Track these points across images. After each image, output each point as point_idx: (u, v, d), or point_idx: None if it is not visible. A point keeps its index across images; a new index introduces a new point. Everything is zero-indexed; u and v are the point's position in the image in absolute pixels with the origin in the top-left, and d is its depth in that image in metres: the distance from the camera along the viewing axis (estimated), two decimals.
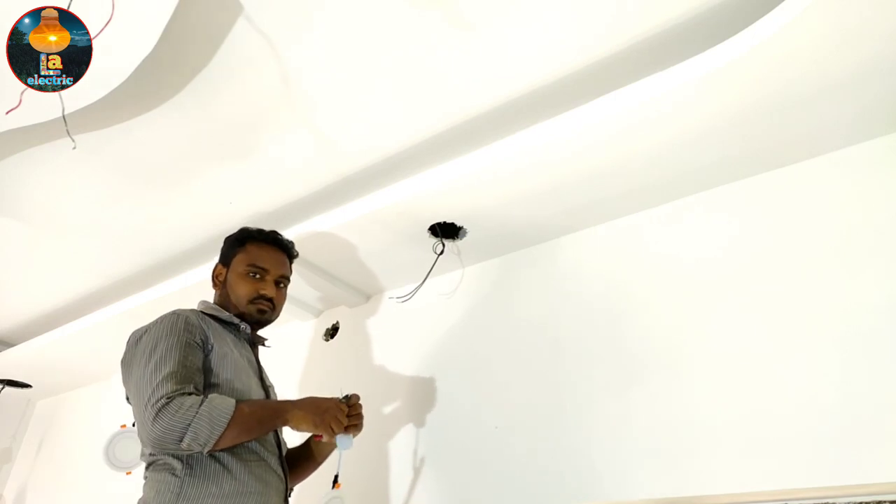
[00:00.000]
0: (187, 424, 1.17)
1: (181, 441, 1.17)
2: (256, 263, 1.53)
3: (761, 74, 1.26)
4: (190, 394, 1.22)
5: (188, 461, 1.25)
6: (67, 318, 2.70)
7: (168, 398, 1.19)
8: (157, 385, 1.21)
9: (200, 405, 1.19)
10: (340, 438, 1.40)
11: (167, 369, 1.24)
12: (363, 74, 1.61)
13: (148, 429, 1.18)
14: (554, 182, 1.64)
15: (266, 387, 1.51)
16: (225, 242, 1.61)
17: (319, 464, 1.58)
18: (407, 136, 1.84)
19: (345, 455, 1.47)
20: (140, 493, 1.32)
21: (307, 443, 1.58)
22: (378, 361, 2.13)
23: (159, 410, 1.17)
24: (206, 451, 1.21)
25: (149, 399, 1.20)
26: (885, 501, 1.20)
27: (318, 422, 1.33)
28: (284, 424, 1.34)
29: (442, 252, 1.87)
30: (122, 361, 1.38)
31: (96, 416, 3.05)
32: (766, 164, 1.57)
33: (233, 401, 1.24)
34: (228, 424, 1.20)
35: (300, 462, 1.56)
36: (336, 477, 1.47)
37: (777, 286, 1.46)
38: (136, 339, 1.36)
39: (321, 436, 1.36)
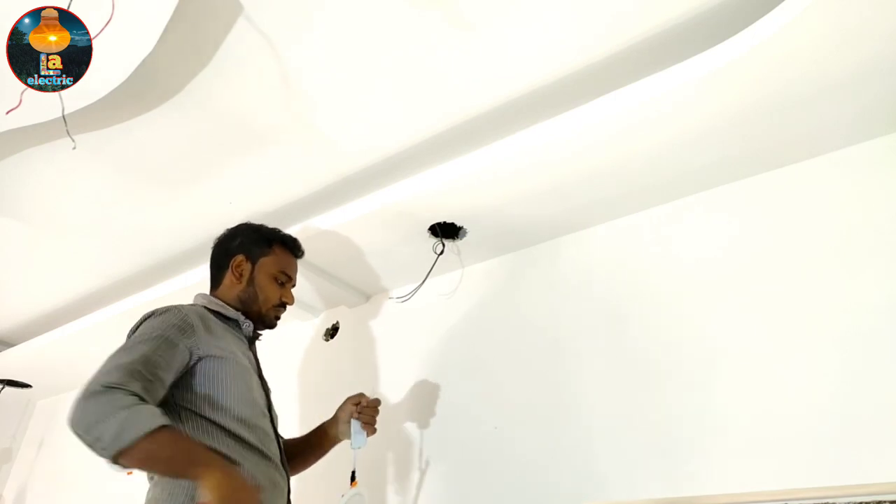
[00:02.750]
0: (100, 420, 1.07)
1: (87, 433, 1.08)
2: (286, 271, 1.57)
3: (761, 74, 1.26)
4: (131, 393, 1.12)
5: None
6: (67, 318, 2.70)
7: (105, 387, 1.11)
8: (107, 371, 1.15)
9: (126, 408, 1.08)
10: (356, 436, 1.46)
11: (125, 358, 1.19)
12: (363, 74, 1.61)
13: (74, 405, 1.11)
14: (554, 182, 1.64)
15: (264, 382, 1.51)
16: (247, 233, 1.57)
17: (322, 455, 1.60)
18: (407, 136, 1.84)
19: (340, 463, 1.51)
20: (142, 493, 1.31)
21: (314, 433, 1.60)
22: (378, 361, 2.13)
23: (91, 394, 1.10)
24: (107, 458, 1.08)
25: (92, 379, 1.13)
26: (885, 501, 1.20)
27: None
28: (189, 479, 1.15)
29: (442, 252, 1.87)
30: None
31: None
32: (766, 164, 1.57)
33: (160, 421, 1.09)
34: (135, 442, 1.06)
35: (303, 453, 1.58)
36: (353, 474, 1.48)
37: (777, 286, 1.46)
38: (141, 321, 1.34)
39: None
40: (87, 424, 1.08)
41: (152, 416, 1.10)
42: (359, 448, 1.48)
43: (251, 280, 1.52)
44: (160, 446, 1.10)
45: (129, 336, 1.33)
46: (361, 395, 1.59)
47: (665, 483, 1.43)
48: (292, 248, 1.61)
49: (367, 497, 1.49)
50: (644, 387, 1.55)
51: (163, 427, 1.09)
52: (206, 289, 1.58)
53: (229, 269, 1.53)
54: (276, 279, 1.54)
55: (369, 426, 1.51)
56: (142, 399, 1.13)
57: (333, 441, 1.59)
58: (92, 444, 1.09)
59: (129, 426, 1.07)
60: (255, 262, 1.54)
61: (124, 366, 1.17)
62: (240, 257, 1.53)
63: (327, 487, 1.75)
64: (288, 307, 1.59)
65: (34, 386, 3.25)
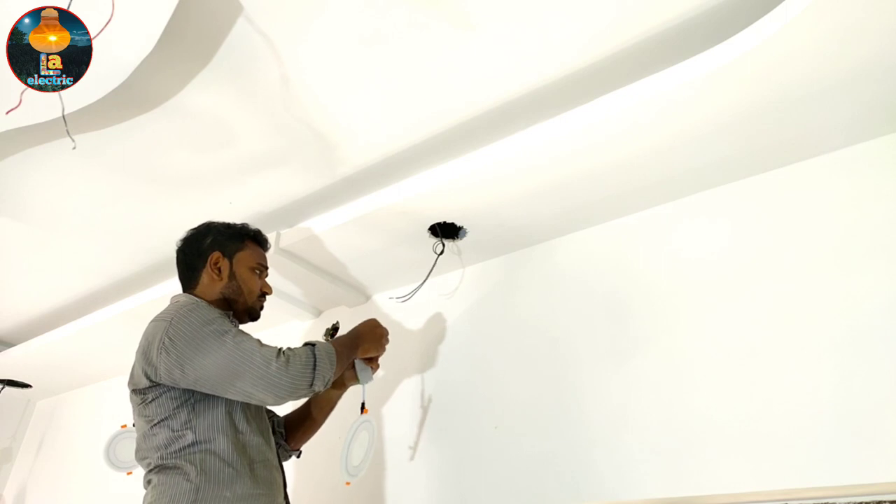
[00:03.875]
0: (313, 367, 1.33)
1: (312, 384, 1.33)
2: (262, 262, 1.64)
3: (761, 74, 1.26)
4: (283, 353, 1.34)
5: (202, 466, 1.26)
6: (67, 318, 2.70)
7: (285, 354, 1.32)
8: (259, 348, 1.32)
9: (314, 351, 1.37)
10: (362, 373, 1.64)
11: (249, 339, 1.34)
12: (363, 74, 1.61)
13: (277, 379, 1.28)
14: (554, 182, 1.64)
15: None
16: (217, 231, 1.60)
17: (330, 410, 1.71)
18: (407, 136, 1.83)
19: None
20: (141, 492, 1.31)
21: (310, 401, 1.71)
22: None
23: (287, 360, 1.31)
24: (322, 389, 1.37)
25: (267, 358, 1.30)
26: (885, 501, 1.20)
27: (378, 347, 1.63)
28: (356, 356, 1.58)
29: (442, 252, 1.87)
30: (157, 346, 1.33)
31: (96, 416, 3.05)
32: (766, 164, 1.57)
33: (327, 343, 1.44)
34: (336, 361, 1.40)
35: (310, 416, 1.69)
36: (363, 404, 1.64)
37: (777, 286, 1.46)
38: (165, 328, 1.34)
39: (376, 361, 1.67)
40: (307, 379, 1.32)
41: (325, 344, 1.42)
42: (367, 383, 1.65)
43: (232, 274, 1.55)
44: (342, 355, 1.46)
45: (158, 339, 1.33)
46: (332, 328, 1.75)
47: (665, 483, 1.43)
48: (262, 241, 1.68)
49: (374, 425, 1.66)
50: (644, 387, 1.55)
51: (331, 343, 1.45)
52: None
53: (206, 267, 1.55)
54: (254, 271, 1.59)
55: (373, 362, 1.67)
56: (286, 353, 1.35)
57: (341, 389, 1.70)
58: (312, 388, 1.34)
59: (330, 356, 1.39)
60: (231, 258, 1.57)
61: (256, 341, 1.35)
62: (216, 254, 1.56)
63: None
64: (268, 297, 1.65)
65: (34, 386, 3.25)
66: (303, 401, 1.70)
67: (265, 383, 1.28)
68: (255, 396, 1.30)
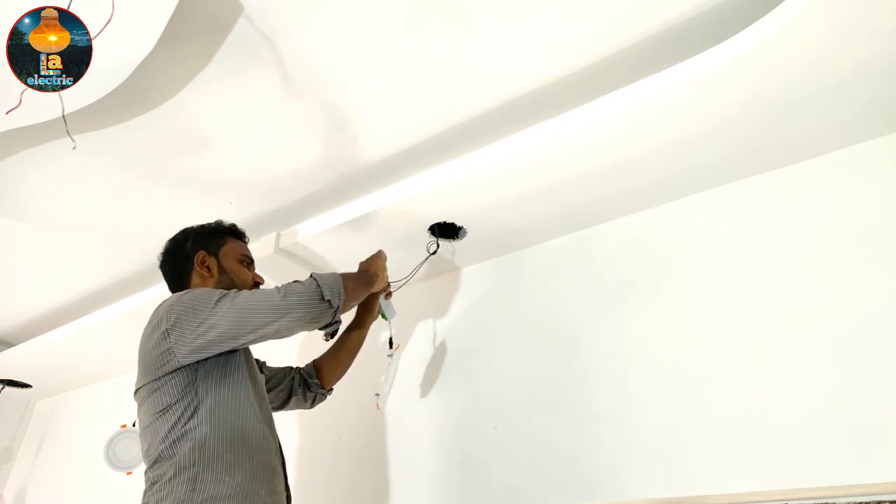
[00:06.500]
0: (316, 284, 1.35)
1: (322, 296, 1.34)
2: (246, 254, 1.65)
3: (761, 74, 1.26)
4: (285, 286, 1.36)
5: (202, 452, 1.25)
6: (67, 318, 2.70)
7: (284, 285, 1.35)
8: (257, 291, 1.36)
9: (311, 274, 1.39)
10: (388, 310, 1.75)
11: (246, 291, 1.37)
12: (363, 75, 1.61)
13: (287, 302, 1.31)
14: (554, 182, 1.64)
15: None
16: (195, 233, 1.61)
17: (359, 348, 1.79)
18: (406, 137, 1.84)
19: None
20: (140, 491, 1.31)
21: (351, 327, 1.78)
22: (377, 361, 2.13)
23: (288, 286, 1.34)
24: (342, 304, 1.38)
25: (268, 293, 1.33)
26: (885, 501, 1.21)
27: (382, 276, 1.66)
28: (371, 289, 1.62)
29: (435, 251, 1.87)
30: (165, 327, 1.33)
31: (96, 416, 3.05)
32: (766, 164, 1.57)
33: (329, 274, 1.43)
34: (342, 276, 1.42)
35: (336, 357, 1.76)
36: (391, 340, 1.78)
37: (777, 286, 1.46)
38: (171, 304, 1.36)
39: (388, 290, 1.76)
40: (314, 293, 1.34)
41: (328, 275, 1.41)
42: (393, 318, 1.76)
43: (221, 269, 1.56)
44: (351, 277, 1.50)
45: (164, 321, 1.33)
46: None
47: (665, 483, 1.43)
48: (240, 234, 1.67)
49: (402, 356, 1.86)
50: (644, 388, 1.55)
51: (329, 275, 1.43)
52: None
53: (194, 269, 1.56)
54: (241, 262, 1.60)
55: (391, 295, 1.78)
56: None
57: (365, 327, 1.79)
58: (330, 302, 1.35)
59: (329, 274, 1.41)
60: (216, 254, 1.58)
61: (250, 292, 1.36)
62: (201, 253, 1.57)
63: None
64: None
65: (34, 386, 3.25)
66: (331, 343, 1.75)
67: (278, 311, 1.31)
68: (271, 327, 1.31)
